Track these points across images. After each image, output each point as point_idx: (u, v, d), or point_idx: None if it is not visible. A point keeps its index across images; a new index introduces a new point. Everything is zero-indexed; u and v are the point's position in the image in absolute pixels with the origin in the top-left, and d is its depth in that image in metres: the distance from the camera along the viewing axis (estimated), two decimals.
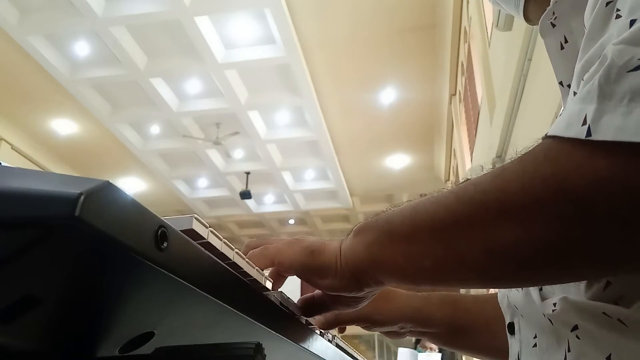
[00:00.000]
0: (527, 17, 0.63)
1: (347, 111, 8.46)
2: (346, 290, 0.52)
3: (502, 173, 0.41)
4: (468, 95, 6.69)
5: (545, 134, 0.39)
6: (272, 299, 0.48)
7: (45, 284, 0.27)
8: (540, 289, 0.52)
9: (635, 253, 0.37)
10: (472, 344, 0.81)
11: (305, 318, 0.60)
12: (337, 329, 0.74)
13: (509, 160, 0.41)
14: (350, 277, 0.50)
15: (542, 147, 0.39)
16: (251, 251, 0.56)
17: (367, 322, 0.73)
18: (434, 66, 7.60)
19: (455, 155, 8.66)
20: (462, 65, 6.95)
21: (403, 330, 0.77)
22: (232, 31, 6.80)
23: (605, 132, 0.35)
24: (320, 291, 0.58)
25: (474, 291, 2.69)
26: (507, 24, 3.59)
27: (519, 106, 3.88)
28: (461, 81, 7.20)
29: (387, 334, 0.78)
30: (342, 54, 7.21)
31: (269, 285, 0.50)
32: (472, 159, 6.58)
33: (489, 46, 4.84)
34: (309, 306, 0.59)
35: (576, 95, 0.39)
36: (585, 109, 0.36)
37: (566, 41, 0.52)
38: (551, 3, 0.53)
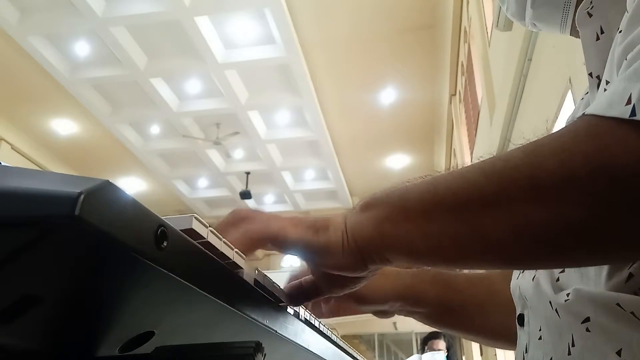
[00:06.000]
0: None
1: (347, 111, 8.46)
2: (351, 269, 0.48)
3: (536, 149, 0.38)
4: (468, 95, 6.69)
5: (583, 113, 0.38)
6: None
7: (45, 284, 0.27)
8: (557, 279, 0.50)
9: None
10: (463, 325, 0.78)
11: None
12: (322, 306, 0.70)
13: (538, 137, 0.40)
14: (357, 254, 0.47)
15: (581, 124, 0.37)
16: (247, 227, 0.51)
17: (357, 300, 0.68)
18: (434, 66, 7.60)
19: (455, 155, 8.66)
20: (462, 65, 6.95)
21: (392, 309, 0.73)
22: (232, 31, 6.80)
23: None
24: (308, 277, 0.54)
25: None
26: (507, 24, 3.59)
27: (519, 106, 3.88)
28: (461, 81, 7.20)
29: (375, 313, 0.74)
30: (342, 54, 7.21)
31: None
32: (472, 159, 6.58)
33: (489, 46, 4.84)
34: (298, 294, 0.53)
35: (621, 75, 0.37)
36: (631, 88, 0.35)
37: (602, 32, 0.50)
38: None
